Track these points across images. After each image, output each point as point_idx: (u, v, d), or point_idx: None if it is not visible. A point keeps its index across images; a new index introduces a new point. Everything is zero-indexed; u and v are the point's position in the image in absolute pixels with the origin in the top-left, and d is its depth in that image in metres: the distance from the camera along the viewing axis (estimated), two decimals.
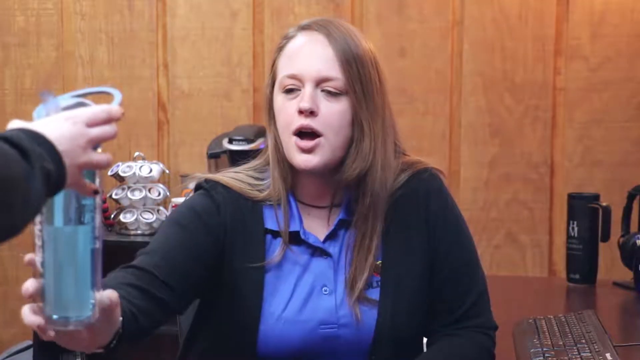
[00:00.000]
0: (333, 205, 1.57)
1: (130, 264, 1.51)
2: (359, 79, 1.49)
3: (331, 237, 1.57)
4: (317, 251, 1.57)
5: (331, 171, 1.53)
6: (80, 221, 1.10)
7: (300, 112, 1.48)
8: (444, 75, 3.20)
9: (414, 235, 1.59)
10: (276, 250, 1.54)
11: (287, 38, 1.55)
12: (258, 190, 1.56)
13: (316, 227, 1.58)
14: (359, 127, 1.51)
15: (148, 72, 3.31)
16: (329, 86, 1.49)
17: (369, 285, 1.54)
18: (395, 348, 1.54)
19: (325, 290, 1.55)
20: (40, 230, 1.09)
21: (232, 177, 1.58)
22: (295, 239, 1.55)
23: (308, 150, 1.49)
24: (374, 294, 1.55)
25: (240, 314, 1.54)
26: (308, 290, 1.55)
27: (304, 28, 1.53)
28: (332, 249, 1.57)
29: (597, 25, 3.13)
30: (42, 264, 1.09)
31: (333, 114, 1.49)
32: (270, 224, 1.55)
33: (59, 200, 1.08)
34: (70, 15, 3.32)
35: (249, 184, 1.57)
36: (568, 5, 3.13)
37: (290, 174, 1.55)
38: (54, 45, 3.33)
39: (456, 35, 3.19)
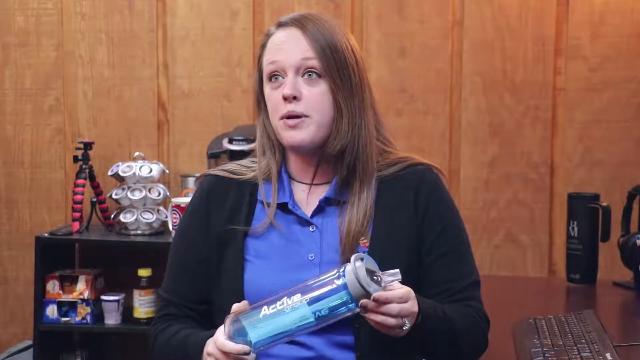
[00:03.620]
0: (323, 182, 1.69)
1: (164, 312, 1.72)
2: (334, 63, 1.62)
3: (318, 211, 1.67)
4: (304, 223, 1.66)
5: (317, 149, 1.65)
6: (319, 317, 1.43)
7: (285, 98, 1.61)
8: (444, 75, 3.20)
9: (402, 217, 1.66)
10: (264, 218, 1.66)
11: (268, 35, 1.68)
12: (252, 170, 1.71)
13: (305, 202, 1.68)
14: (337, 108, 1.63)
15: (148, 72, 3.31)
16: (308, 69, 1.62)
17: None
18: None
19: (312, 257, 1.64)
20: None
21: (227, 165, 1.76)
22: (283, 209, 1.67)
23: (294, 126, 1.61)
24: None
25: (226, 279, 1.65)
26: (294, 257, 1.64)
27: (281, 25, 1.67)
28: (318, 220, 1.66)
29: (597, 25, 3.13)
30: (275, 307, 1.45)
31: (314, 96, 1.62)
32: (261, 196, 1.69)
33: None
34: (70, 15, 3.32)
35: (245, 166, 1.74)
36: (568, 5, 3.13)
37: (281, 152, 1.69)
38: (54, 45, 3.33)
39: (456, 35, 3.19)
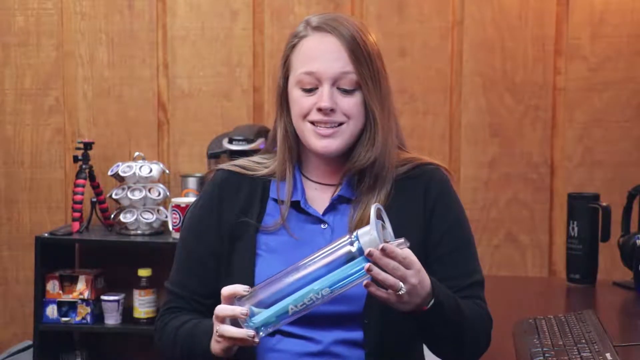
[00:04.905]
0: (334, 182, 1.69)
1: (171, 305, 1.71)
2: (370, 74, 1.61)
3: (330, 209, 1.68)
4: (316, 220, 1.67)
5: (342, 155, 1.65)
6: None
7: (320, 109, 1.60)
8: (444, 75, 3.20)
9: (410, 216, 1.66)
10: (276, 215, 1.67)
11: (299, 37, 1.65)
12: (264, 167, 1.71)
13: (317, 201, 1.69)
14: (371, 118, 1.63)
15: (148, 72, 3.31)
16: (344, 84, 1.61)
17: None
18: (385, 316, 1.58)
19: None
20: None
21: (238, 161, 1.75)
22: (296, 208, 1.67)
23: (328, 135, 1.62)
24: None
25: (236, 273, 1.64)
26: (305, 252, 1.61)
27: (316, 29, 1.63)
28: (330, 218, 1.67)
29: (597, 25, 3.13)
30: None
31: (350, 106, 1.62)
32: (274, 193, 1.69)
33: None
34: (70, 15, 3.32)
35: (256, 163, 1.73)
36: (568, 5, 3.13)
37: (296, 152, 1.69)
38: (54, 45, 3.33)
39: (456, 35, 3.19)
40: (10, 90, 3.35)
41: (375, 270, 1.40)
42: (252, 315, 1.43)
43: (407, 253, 1.44)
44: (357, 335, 1.61)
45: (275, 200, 1.68)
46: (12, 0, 3.32)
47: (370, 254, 1.39)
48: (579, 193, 2.64)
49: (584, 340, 1.79)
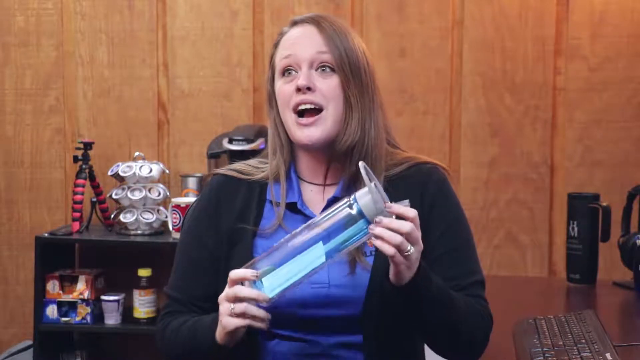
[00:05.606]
0: (331, 183, 1.69)
1: (170, 309, 1.71)
2: (347, 60, 1.64)
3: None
4: None
5: (327, 147, 1.65)
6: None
7: (298, 89, 1.62)
8: (444, 75, 3.20)
9: None
10: (273, 218, 1.67)
11: (281, 34, 1.70)
12: (261, 171, 1.72)
13: (314, 202, 1.69)
14: (348, 103, 1.64)
15: (148, 72, 3.31)
16: (322, 63, 1.64)
17: (362, 253, 1.62)
18: (384, 318, 1.58)
19: None
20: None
21: (235, 165, 1.76)
22: (292, 209, 1.67)
23: (309, 124, 1.62)
24: (368, 261, 1.62)
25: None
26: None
27: (296, 23, 1.69)
28: None
29: (597, 25, 3.13)
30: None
31: (328, 87, 1.63)
32: (270, 195, 1.69)
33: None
34: (70, 15, 3.32)
35: (253, 167, 1.74)
36: (568, 5, 3.14)
37: (291, 151, 1.70)
38: (54, 45, 3.33)
39: (456, 35, 3.19)
40: (10, 90, 3.35)
41: (378, 230, 1.40)
42: (262, 286, 1.45)
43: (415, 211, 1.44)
44: (357, 338, 1.60)
45: (272, 203, 1.68)
46: (12, 0, 3.33)
47: (379, 222, 1.40)
48: (579, 193, 2.64)
49: (584, 340, 1.79)
